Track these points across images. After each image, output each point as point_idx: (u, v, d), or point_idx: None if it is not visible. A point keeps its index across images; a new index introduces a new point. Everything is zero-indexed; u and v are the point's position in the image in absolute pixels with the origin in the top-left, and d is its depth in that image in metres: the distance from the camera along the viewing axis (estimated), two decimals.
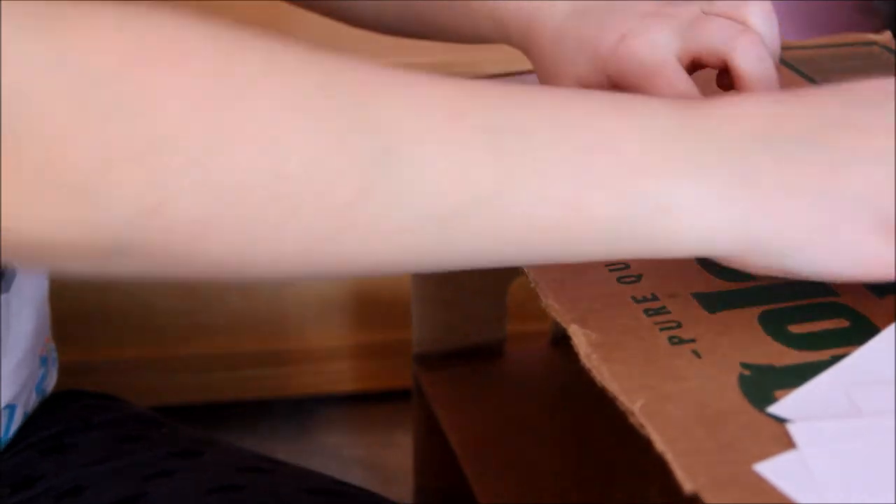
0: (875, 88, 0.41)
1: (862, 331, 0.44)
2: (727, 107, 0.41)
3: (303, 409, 1.22)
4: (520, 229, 0.39)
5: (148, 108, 0.34)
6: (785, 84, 0.63)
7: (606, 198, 0.39)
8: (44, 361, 0.63)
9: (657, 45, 0.51)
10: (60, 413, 0.63)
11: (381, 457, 1.18)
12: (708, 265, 0.47)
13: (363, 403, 1.22)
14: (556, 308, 0.45)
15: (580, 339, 0.42)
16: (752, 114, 0.40)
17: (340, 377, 1.16)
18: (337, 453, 1.17)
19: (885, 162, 0.39)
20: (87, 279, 0.41)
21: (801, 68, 0.66)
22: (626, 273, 0.47)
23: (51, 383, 0.65)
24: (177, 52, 0.35)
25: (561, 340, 0.44)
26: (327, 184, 0.36)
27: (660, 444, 0.37)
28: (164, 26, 0.35)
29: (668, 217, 0.39)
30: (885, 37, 0.69)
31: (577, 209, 0.39)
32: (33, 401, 0.62)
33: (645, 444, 0.38)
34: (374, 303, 1.13)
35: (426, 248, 0.39)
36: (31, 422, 0.62)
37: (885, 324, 0.44)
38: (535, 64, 0.56)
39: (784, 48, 0.68)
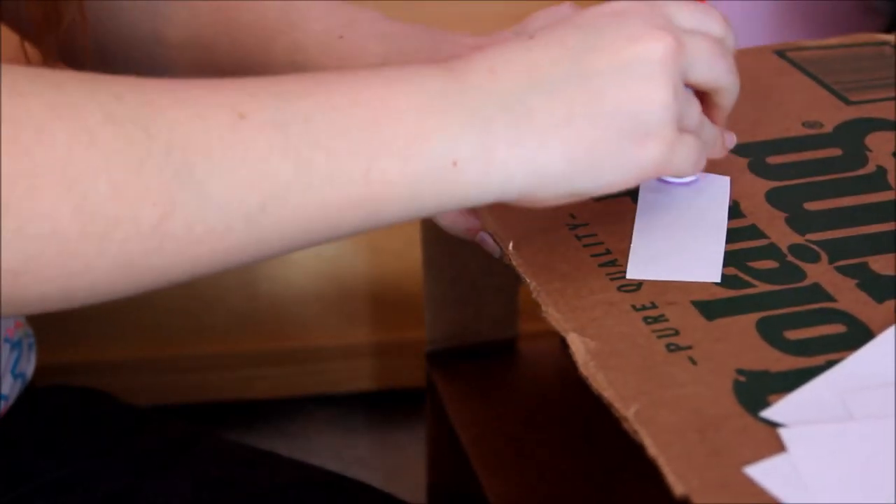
0: (599, 14, 0.49)
1: (858, 336, 0.47)
2: (482, 61, 0.47)
3: (303, 409, 1.25)
4: (324, 209, 0.44)
5: None
6: (795, 88, 0.67)
7: (397, 164, 0.45)
8: (17, 345, 0.66)
9: None
10: (48, 409, 0.67)
11: (382, 457, 1.21)
12: None
13: (364, 403, 1.26)
14: (555, 317, 0.49)
15: (578, 348, 0.46)
16: (506, 62, 0.47)
17: (341, 377, 1.19)
18: (337, 453, 1.20)
19: (632, 72, 0.47)
20: None
21: (810, 69, 0.69)
22: (626, 282, 0.51)
23: (29, 368, 0.68)
24: None
25: None
26: (131, 211, 0.41)
27: (652, 449, 0.41)
28: None
29: (461, 169, 0.45)
30: None
31: (372, 181, 0.45)
32: (11, 385, 0.65)
33: None
34: (376, 303, 1.16)
35: (238, 246, 0.44)
36: (17, 418, 0.65)
37: (881, 329, 0.47)
38: None
39: (794, 48, 0.72)
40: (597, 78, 0.47)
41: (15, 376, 0.66)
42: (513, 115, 0.46)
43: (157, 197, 0.41)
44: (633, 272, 0.51)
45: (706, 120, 0.52)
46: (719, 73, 0.51)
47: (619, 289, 0.51)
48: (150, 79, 0.44)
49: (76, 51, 0.65)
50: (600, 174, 0.47)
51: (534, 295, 0.51)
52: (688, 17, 0.51)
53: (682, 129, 0.49)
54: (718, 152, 0.54)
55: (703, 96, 0.52)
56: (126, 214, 0.41)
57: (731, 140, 0.56)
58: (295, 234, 0.45)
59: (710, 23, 0.52)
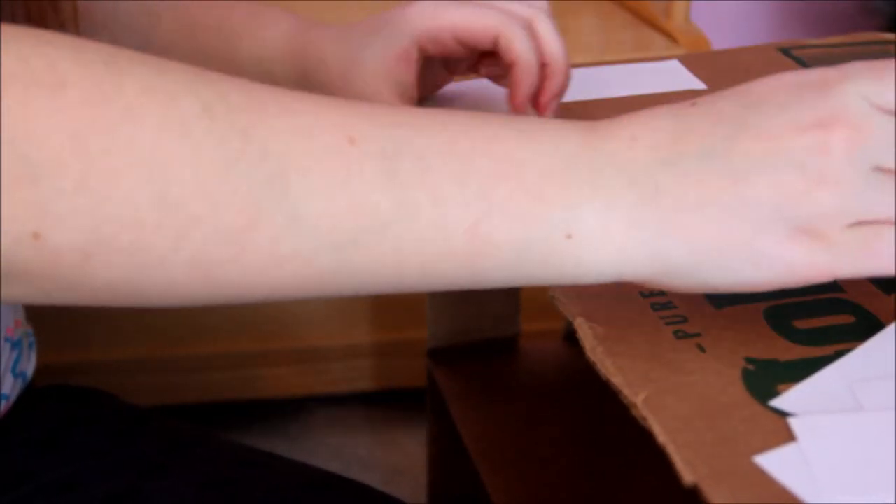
0: (774, 87, 0.43)
1: (867, 327, 0.47)
2: (627, 126, 0.43)
3: (303, 409, 1.25)
4: (418, 256, 0.41)
5: (23, 135, 0.36)
6: None
7: (508, 225, 0.41)
8: (17, 344, 0.65)
9: None
10: (48, 409, 0.66)
11: (382, 457, 1.21)
12: None
13: (364, 403, 1.26)
14: (563, 301, 0.48)
15: (586, 333, 0.46)
16: (651, 131, 0.42)
17: (341, 377, 1.19)
18: (337, 453, 1.20)
19: (790, 163, 0.41)
20: None
21: (814, 67, 0.68)
22: None
23: (30, 368, 0.67)
24: (52, 79, 0.37)
25: (574, 337, 0.47)
26: (214, 212, 0.38)
27: (661, 436, 0.41)
28: (43, 52, 0.37)
29: (574, 243, 0.42)
30: None
31: (476, 236, 0.41)
32: (11, 384, 0.64)
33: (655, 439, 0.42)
34: (376, 303, 1.16)
35: (323, 275, 0.41)
36: (18, 418, 0.65)
37: (891, 320, 0.47)
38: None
39: (798, 47, 0.71)
40: (743, 162, 0.41)
41: (15, 375, 0.65)
42: (639, 191, 0.41)
43: (243, 204, 0.39)
44: None
45: None
46: None
47: None
48: (261, 84, 0.41)
49: None
50: (733, 271, 0.42)
51: None
52: (881, 90, 0.41)
53: (863, 221, 0.41)
54: None
55: None
56: (206, 214, 0.38)
57: None
58: (385, 275, 0.41)
59: None
